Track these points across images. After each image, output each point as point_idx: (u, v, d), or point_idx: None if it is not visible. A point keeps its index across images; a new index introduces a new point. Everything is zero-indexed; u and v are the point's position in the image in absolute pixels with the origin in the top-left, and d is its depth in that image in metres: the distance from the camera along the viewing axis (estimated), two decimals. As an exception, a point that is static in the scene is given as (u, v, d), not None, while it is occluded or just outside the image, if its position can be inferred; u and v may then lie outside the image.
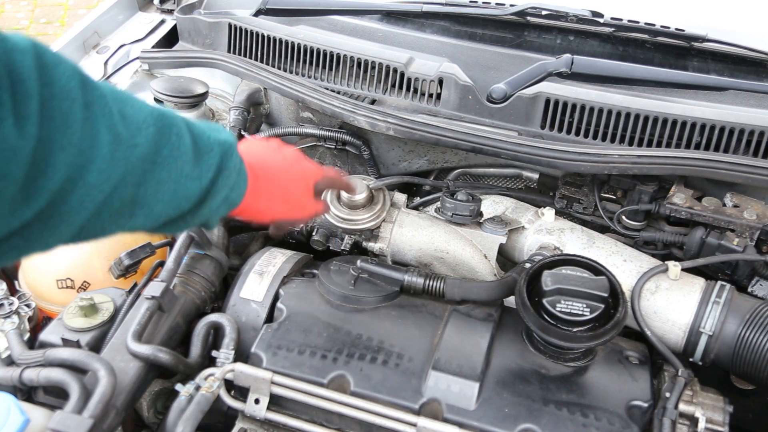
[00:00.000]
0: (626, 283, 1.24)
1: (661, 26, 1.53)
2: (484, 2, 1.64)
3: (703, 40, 1.51)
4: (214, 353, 1.12)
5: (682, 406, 1.06)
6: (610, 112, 1.34)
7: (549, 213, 1.37)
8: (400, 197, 1.45)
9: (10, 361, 1.10)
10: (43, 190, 0.62)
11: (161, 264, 1.28)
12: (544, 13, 1.53)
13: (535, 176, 1.53)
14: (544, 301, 1.07)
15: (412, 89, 1.46)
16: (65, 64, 0.65)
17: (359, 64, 1.48)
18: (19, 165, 0.59)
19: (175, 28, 1.83)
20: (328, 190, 1.17)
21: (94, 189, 0.67)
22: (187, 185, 0.80)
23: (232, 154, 0.87)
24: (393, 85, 1.47)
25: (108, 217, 0.71)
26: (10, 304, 1.27)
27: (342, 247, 1.39)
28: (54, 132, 0.62)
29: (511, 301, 1.19)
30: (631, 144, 1.35)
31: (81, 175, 0.65)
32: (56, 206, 0.64)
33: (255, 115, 1.70)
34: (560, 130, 1.38)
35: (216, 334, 1.19)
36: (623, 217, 1.38)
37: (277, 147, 1.06)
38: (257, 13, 1.63)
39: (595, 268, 1.11)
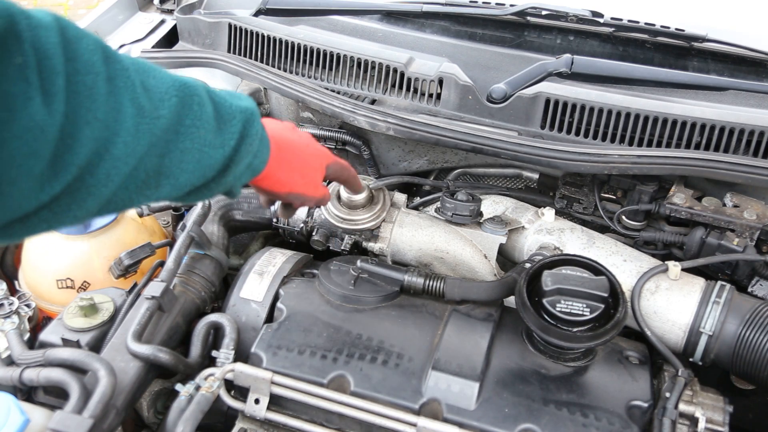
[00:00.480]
0: (626, 283, 1.24)
1: (661, 26, 1.53)
2: (484, 2, 1.64)
3: (703, 40, 1.51)
4: (214, 353, 1.12)
5: (682, 406, 1.06)
6: (610, 112, 1.34)
7: (549, 213, 1.37)
8: (400, 197, 1.45)
9: (10, 361, 1.10)
10: (71, 165, 0.63)
11: (161, 264, 1.28)
12: (544, 13, 1.53)
13: (535, 176, 1.53)
14: (544, 301, 1.07)
15: (412, 89, 1.46)
16: (88, 38, 0.65)
17: (359, 64, 1.48)
18: (48, 142, 0.60)
19: (175, 28, 1.83)
20: (336, 179, 1.18)
21: (120, 162, 0.68)
22: (211, 153, 0.81)
23: (254, 121, 0.88)
24: (393, 85, 1.47)
25: (134, 189, 0.72)
26: (10, 304, 1.27)
27: (342, 247, 1.39)
28: (79, 107, 0.63)
29: (511, 301, 1.19)
30: (631, 144, 1.35)
31: (107, 148, 0.66)
32: (84, 180, 0.65)
33: (255, 115, 1.70)
34: (560, 130, 1.38)
35: (216, 334, 1.19)
36: (623, 217, 1.38)
37: (293, 126, 1.08)
38: (257, 13, 1.63)
39: (595, 268, 1.11)
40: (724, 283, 1.22)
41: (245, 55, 1.60)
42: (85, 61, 0.64)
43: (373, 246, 1.39)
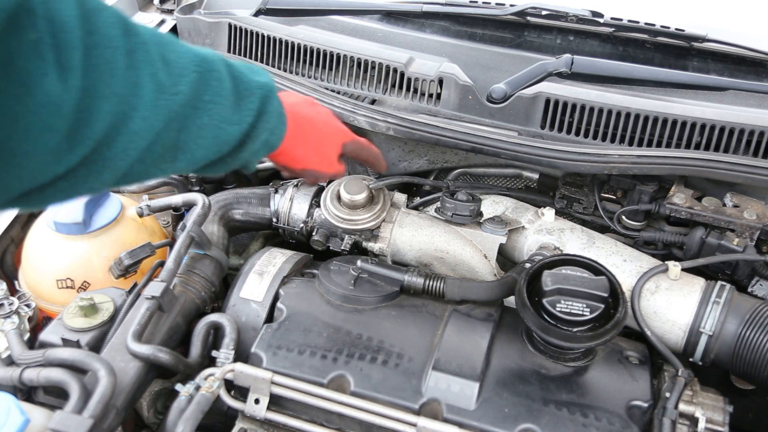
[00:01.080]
0: (626, 283, 1.24)
1: (661, 26, 1.53)
2: (484, 2, 1.64)
3: (703, 40, 1.51)
4: (214, 353, 1.12)
5: (682, 406, 1.06)
6: (610, 112, 1.34)
7: (549, 213, 1.37)
8: (400, 197, 1.45)
9: (10, 361, 1.10)
10: (88, 139, 0.63)
11: (161, 264, 1.28)
12: (544, 13, 1.53)
13: (535, 176, 1.53)
14: (544, 301, 1.07)
15: (412, 89, 1.46)
16: (107, 10, 0.65)
17: (359, 64, 1.48)
18: (63, 117, 0.60)
19: (175, 28, 1.83)
20: (355, 157, 1.18)
21: (137, 136, 0.68)
22: (228, 129, 0.81)
23: (272, 98, 0.88)
24: (393, 85, 1.47)
25: (151, 162, 0.72)
26: (10, 304, 1.26)
27: (342, 247, 1.39)
28: (97, 81, 0.62)
29: (511, 301, 1.19)
30: (631, 144, 1.35)
31: (124, 122, 0.66)
32: (100, 152, 0.65)
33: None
34: (560, 130, 1.38)
35: (216, 334, 1.19)
36: (623, 217, 1.38)
37: (313, 101, 1.08)
38: (257, 13, 1.63)
39: (595, 268, 1.11)
40: (724, 283, 1.22)
41: (245, 56, 1.60)
42: (104, 35, 0.63)
43: (373, 246, 1.39)
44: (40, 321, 1.39)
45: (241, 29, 1.60)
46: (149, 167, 0.73)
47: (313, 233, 1.42)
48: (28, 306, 1.30)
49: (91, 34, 0.62)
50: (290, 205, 1.45)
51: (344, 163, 1.15)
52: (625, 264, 1.27)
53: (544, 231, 1.35)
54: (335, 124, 1.10)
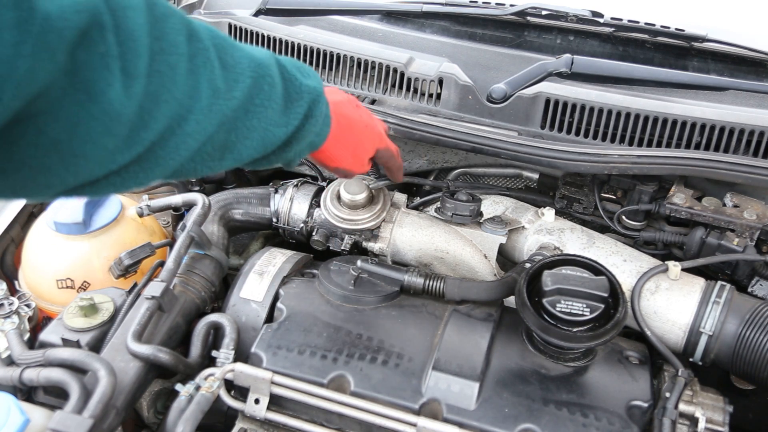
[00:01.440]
0: (626, 283, 1.24)
1: (661, 26, 1.53)
2: (484, 2, 1.64)
3: (703, 40, 1.51)
4: (214, 353, 1.12)
5: (682, 406, 1.06)
6: (610, 112, 1.34)
7: (549, 213, 1.37)
8: (400, 197, 1.45)
9: (10, 361, 1.10)
10: (144, 140, 0.65)
11: (161, 264, 1.28)
12: (544, 13, 1.53)
13: (535, 176, 1.53)
14: (544, 301, 1.07)
15: (412, 89, 1.46)
16: (175, 16, 0.66)
17: (359, 64, 1.48)
18: (124, 123, 0.61)
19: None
20: (383, 164, 1.20)
21: (191, 138, 0.70)
22: (275, 131, 0.83)
23: (320, 102, 0.89)
24: (393, 85, 1.47)
25: (200, 161, 0.75)
26: (10, 304, 1.26)
27: (342, 247, 1.39)
28: (160, 87, 0.64)
29: (511, 301, 1.19)
30: (631, 144, 1.35)
31: (180, 125, 0.68)
32: (154, 151, 0.67)
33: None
34: (560, 130, 1.38)
35: (216, 334, 1.19)
36: (623, 217, 1.38)
37: (356, 102, 1.10)
38: (257, 13, 1.63)
39: (595, 268, 1.11)
40: (724, 283, 1.22)
41: (245, 55, 1.60)
42: (170, 41, 0.65)
43: (373, 246, 1.39)
44: (40, 321, 1.39)
45: (241, 29, 1.60)
46: (198, 165, 0.75)
47: (313, 233, 1.42)
48: (28, 306, 1.30)
49: (158, 40, 0.63)
50: (290, 205, 1.45)
51: (371, 164, 1.17)
52: (625, 264, 1.27)
53: (544, 231, 1.35)
54: (375, 128, 1.12)
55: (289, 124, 0.85)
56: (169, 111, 0.66)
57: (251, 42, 1.59)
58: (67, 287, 1.41)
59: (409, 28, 1.67)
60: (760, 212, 1.27)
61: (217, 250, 1.33)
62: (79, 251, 1.41)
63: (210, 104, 0.71)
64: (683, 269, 1.24)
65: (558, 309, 1.05)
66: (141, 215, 1.42)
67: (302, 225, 1.44)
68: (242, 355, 1.13)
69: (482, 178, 1.59)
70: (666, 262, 1.24)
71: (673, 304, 1.20)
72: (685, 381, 1.09)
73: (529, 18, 1.59)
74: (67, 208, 1.40)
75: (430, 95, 1.46)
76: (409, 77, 1.45)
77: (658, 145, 1.34)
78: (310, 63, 1.54)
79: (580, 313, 1.05)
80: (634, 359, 1.14)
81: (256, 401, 1.05)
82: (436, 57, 1.49)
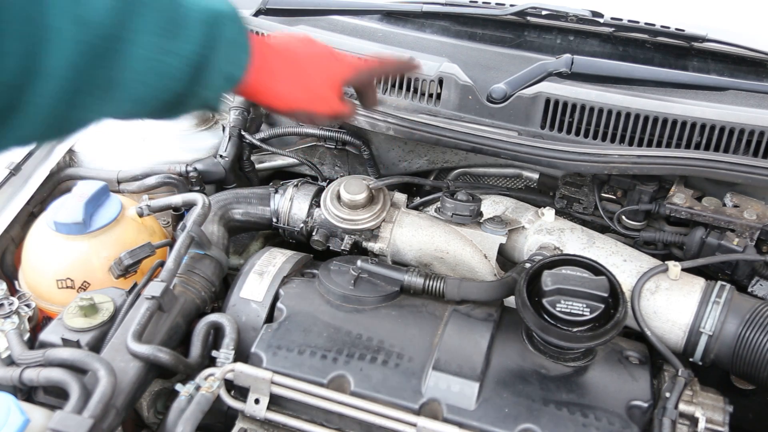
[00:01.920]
0: (626, 283, 1.24)
1: (661, 26, 1.53)
2: (484, 2, 1.64)
3: (703, 40, 1.51)
4: (214, 353, 1.12)
5: (682, 406, 1.06)
6: (610, 112, 1.33)
7: (549, 213, 1.37)
8: (400, 197, 1.45)
9: (10, 361, 1.10)
10: None
11: (161, 264, 1.28)
12: (544, 13, 1.53)
13: (535, 176, 1.53)
14: (544, 301, 1.07)
15: (412, 89, 1.46)
16: None
17: (359, 64, 1.48)
18: None
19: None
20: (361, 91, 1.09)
21: (54, 76, 0.63)
22: (166, 60, 0.73)
23: (224, 24, 0.80)
24: (393, 85, 1.47)
25: (80, 104, 0.67)
26: (10, 304, 1.26)
27: (342, 247, 1.39)
28: None
29: (511, 301, 1.19)
30: (631, 144, 1.35)
31: (35, 62, 0.61)
32: (18, 99, 0.62)
33: (255, 115, 1.70)
34: (560, 130, 1.38)
35: (216, 334, 1.19)
36: (623, 217, 1.38)
37: (308, 38, 1.01)
38: (257, 13, 1.63)
39: (595, 268, 1.11)
40: (724, 283, 1.22)
41: (245, 55, 1.60)
42: None
43: (373, 246, 1.39)
44: (40, 321, 1.39)
45: (241, 29, 1.60)
46: (78, 109, 0.68)
47: (313, 233, 1.42)
48: (28, 306, 1.30)
49: None
50: (290, 205, 1.45)
51: (350, 103, 1.07)
52: (625, 264, 1.27)
53: (544, 231, 1.35)
54: (330, 58, 1.01)
55: (181, 50, 0.74)
56: (16, 47, 0.58)
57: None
58: (67, 287, 1.41)
59: (409, 28, 1.67)
60: (760, 212, 1.27)
61: (217, 250, 1.33)
62: (79, 251, 1.41)
63: (71, 33, 0.63)
64: (683, 269, 1.24)
65: (558, 309, 1.05)
66: (141, 215, 1.42)
67: (302, 225, 1.44)
68: (242, 355, 1.13)
69: (482, 178, 1.59)
70: (666, 262, 1.24)
71: (673, 304, 1.20)
72: (685, 381, 1.09)
73: (529, 18, 1.59)
74: (68, 208, 1.40)
75: (430, 95, 1.46)
76: (409, 77, 1.45)
77: (658, 145, 1.34)
78: (310, 63, 1.54)
79: (580, 313, 1.05)
80: (634, 359, 1.14)
81: (256, 401, 1.05)
82: (436, 57, 1.49)
